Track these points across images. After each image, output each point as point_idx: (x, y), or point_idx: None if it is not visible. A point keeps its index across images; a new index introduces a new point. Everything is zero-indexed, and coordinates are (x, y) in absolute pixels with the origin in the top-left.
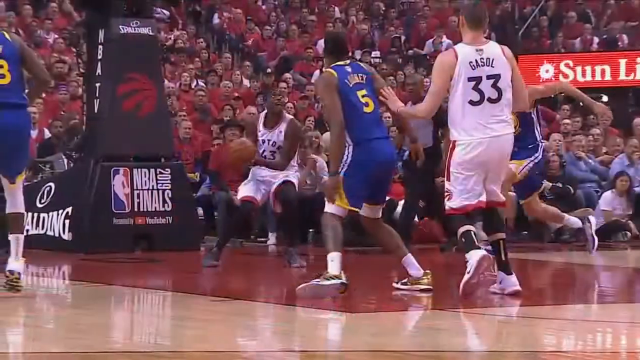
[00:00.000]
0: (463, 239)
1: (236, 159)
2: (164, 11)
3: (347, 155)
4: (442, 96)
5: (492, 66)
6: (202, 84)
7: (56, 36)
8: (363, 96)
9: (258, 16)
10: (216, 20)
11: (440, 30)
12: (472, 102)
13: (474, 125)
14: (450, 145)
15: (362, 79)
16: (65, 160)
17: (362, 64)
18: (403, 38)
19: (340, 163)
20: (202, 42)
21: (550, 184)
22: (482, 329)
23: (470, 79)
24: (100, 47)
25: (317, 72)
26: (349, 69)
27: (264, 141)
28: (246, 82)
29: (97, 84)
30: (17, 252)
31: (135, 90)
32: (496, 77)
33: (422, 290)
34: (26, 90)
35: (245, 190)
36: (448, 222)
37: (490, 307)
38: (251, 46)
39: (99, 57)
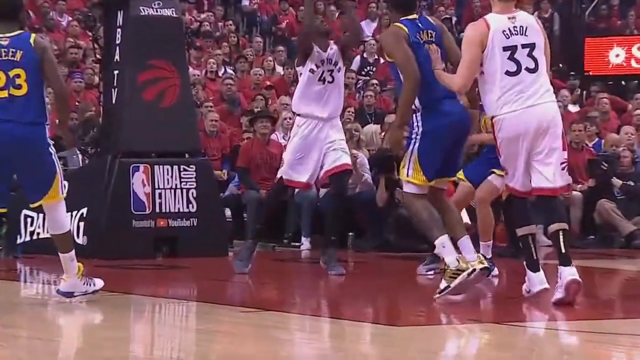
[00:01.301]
0: (521, 244)
1: None
2: None
3: (417, 125)
4: (476, 69)
5: (525, 35)
6: (231, 72)
7: (70, 19)
8: None
9: None
10: (246, 1)
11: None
12: (508, 73)
13: (512, 97)
14: (491, 123)
15: (432, 36)
16: (80, 156)
17: (430, 19)
18: (454, 19)
19: (408, 116)
20: (230, 25)
21: (621, 182)
22: (543, 344)
23: (505, 49)
24: (118, 30)
25: (358, 58)
26: (420, 25)
27: (322, 62)
28: (279, 69)
29: (115, 72)
30: (65, 271)
31: (157, 79)
32: (531, 46)
33: (480, 270)
34: (47, 105)
35: (290, 171)
36: (509, 224)
37: (552, 321)
38: (285, 29)
39: (117, 41)
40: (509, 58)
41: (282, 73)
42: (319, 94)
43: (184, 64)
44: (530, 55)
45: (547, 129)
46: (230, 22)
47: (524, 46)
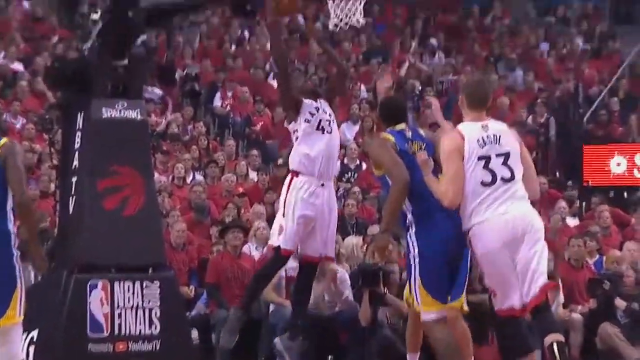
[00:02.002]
0: None
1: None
2: (155, 90)
3: (412, 246)
4: (462, 180)
5: (499, 144)
6: (200, 178)
7: (25, 121)
8: None
9: (268, 96)
10: (218, 100)
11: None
12: (484, 183)
13: (483, 207)
14: (467, 237)
15: (421, 148)
16: (32, 272)
17: (420, 130)
18: None
19: (394, 222)
20: (201, 127)
21: (625, 304)
22: None
23: (480, 158)
24: (78, 134)
25: (338, 163)
26: (408, 135)
27: (317, 109)
28: (253, 174)
29: (73, 179)
30: None
31: (119, 187)
32: (506, 155)
33: None
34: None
35: (289, 238)
36: (503, 347)
37: None
38: (259, 132)
39: (76, 146)
40: (484, 167)
41: (255, 179)
42: (321, 142)
43: (149, 169)
44: (505, 164)
45: (523, 235)
46: (201, 123)
47: (498, 155)
